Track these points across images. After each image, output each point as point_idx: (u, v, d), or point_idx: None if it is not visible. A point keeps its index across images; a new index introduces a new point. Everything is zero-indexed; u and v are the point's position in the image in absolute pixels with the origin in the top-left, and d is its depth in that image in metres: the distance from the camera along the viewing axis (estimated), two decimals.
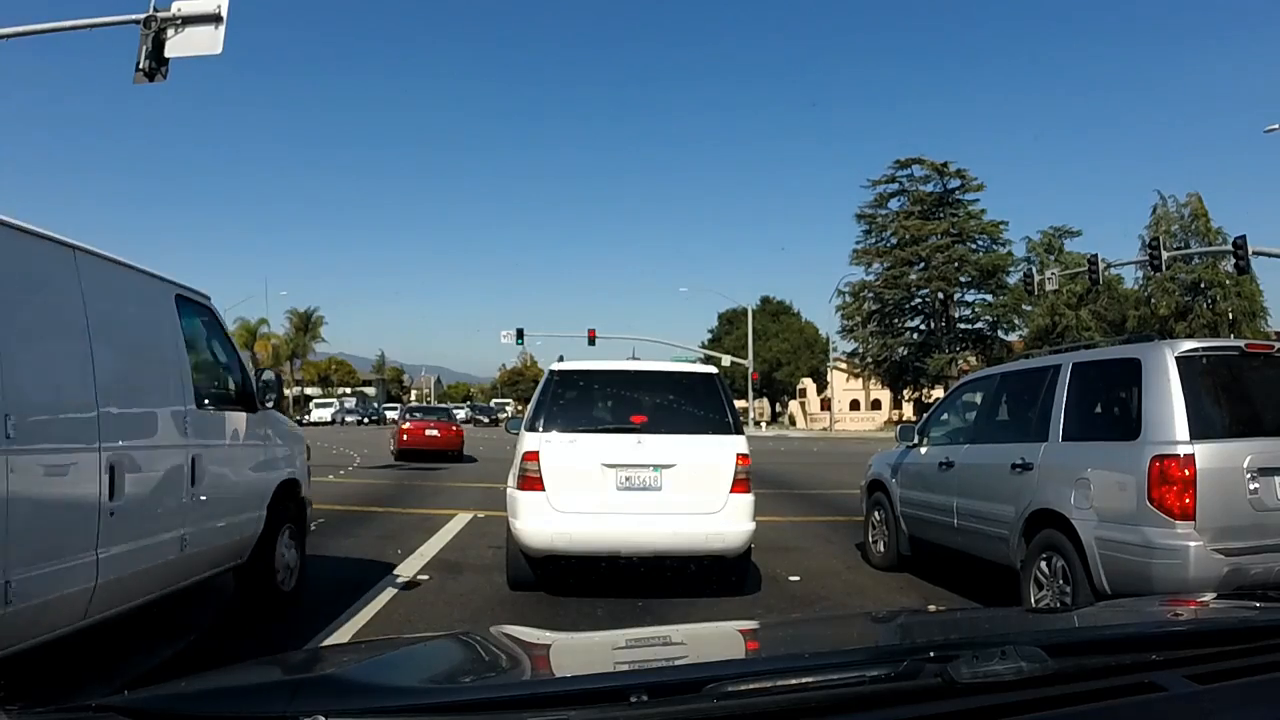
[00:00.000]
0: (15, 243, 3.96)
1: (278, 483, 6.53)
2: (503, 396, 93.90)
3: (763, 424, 67.08)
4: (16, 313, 3.87)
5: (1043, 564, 5.99)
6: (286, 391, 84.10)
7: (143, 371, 5.04)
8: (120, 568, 4.42)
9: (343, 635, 5.92)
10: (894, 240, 58.84)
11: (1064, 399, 6.21)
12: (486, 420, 64.43)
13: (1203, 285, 46.67)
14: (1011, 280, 55.30)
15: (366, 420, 69.12)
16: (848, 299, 60.74)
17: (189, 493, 5.24)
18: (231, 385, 6.29)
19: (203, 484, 5.37)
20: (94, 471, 4.23)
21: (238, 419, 6.14)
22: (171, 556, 5.03)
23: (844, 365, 67.28)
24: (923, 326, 60.20)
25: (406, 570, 8.05)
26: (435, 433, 23.35)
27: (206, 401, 5.65)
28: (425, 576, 7.83)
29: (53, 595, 3.93)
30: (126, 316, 4.92)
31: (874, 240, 60.21)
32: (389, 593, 7.12)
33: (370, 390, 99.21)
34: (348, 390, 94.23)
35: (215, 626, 6.12)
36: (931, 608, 5.37)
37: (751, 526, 6.97)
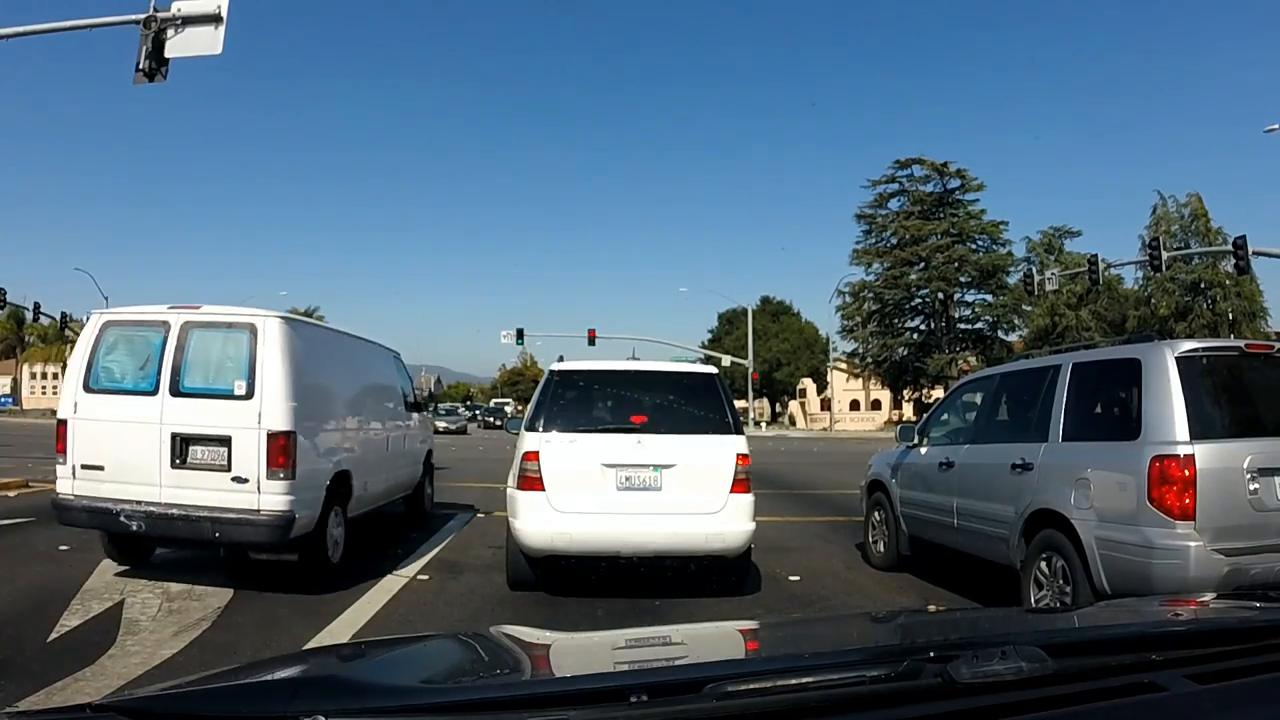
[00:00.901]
0: (369, 348, 9.98)
1: (426, 450, 12.06)
2: (503, 396, 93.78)
3: (763, 424, 67.06)
4: (371, 375, 9.67)
5: (1043, 564, 5.98)
6: None
7: (391, 394, 10.47)
8: (386, 482, 9.70)
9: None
10: (894, 240, 58.84)
11: (1064, 399, 6.20)
12: (498, 422, 63.18)
13: (1203, 285, 46.68)
14: (1011, 280, 55.30)
15: None
16: (848, 299, 60.75)
17: (402, 451, 10.63)
18: (413, 398, 11.47)
19: (406, 447, 10.85)
20: (384, 439, 9.77)
21: (416, 416, 11.52)
22: (394, 483, 10.20)
23: (844, 365, 67.28)
24: (923, 326, 60.20)
25: (407, 570, 8.06)
26: None
27: (405, 407, 10.98)
28: (425, 576, 7.83)
29: (376, 490, 9.16)
30: (386, 370, 10.51)
31: (874, 240, 60.23)
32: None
33: None
34: None
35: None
36: (931, 608, 5.36)
37: (751, 526, 6.97)
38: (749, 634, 2.35)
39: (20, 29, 15.30)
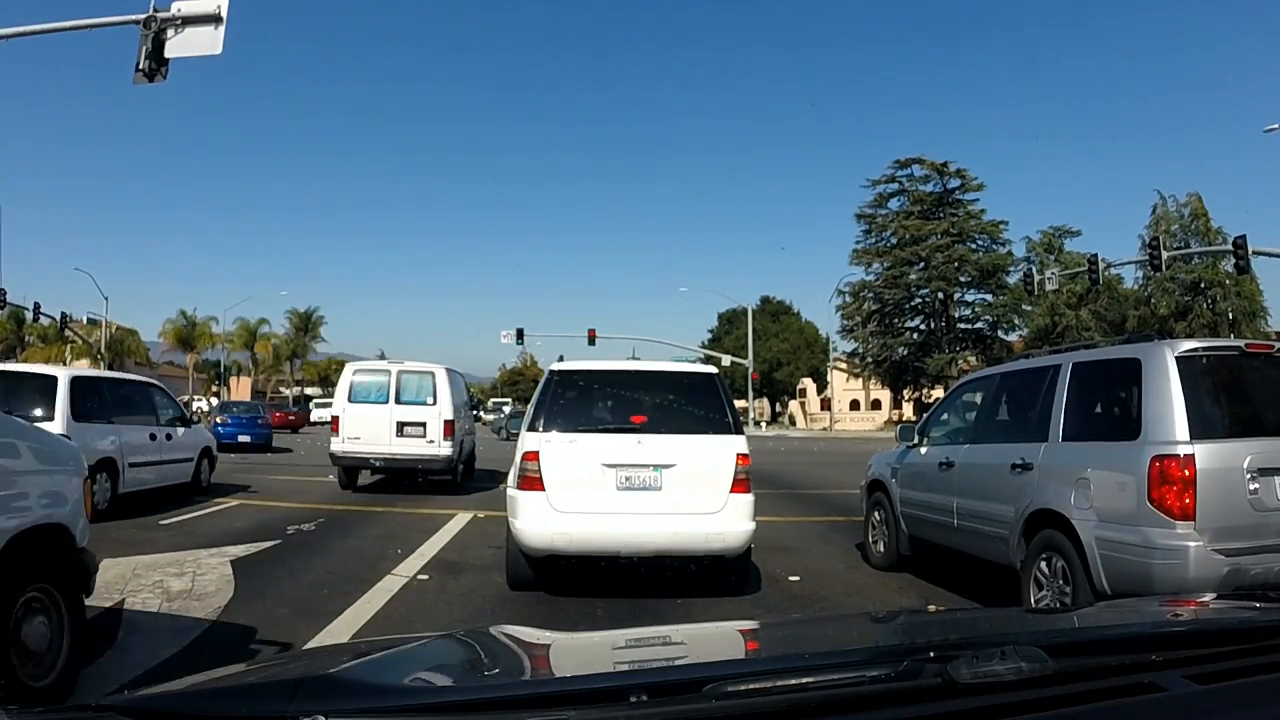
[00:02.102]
0: (459, 376, 17.17)
1: (472, 432, 18.11)
2: (503, 396, 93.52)
3: (763, 424, 67.00)
4: (462, 390, 17.34)
5: (1043, 564, 5.98)
6: (286, 391, 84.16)
7: (467, 399, 18.41)
8: (469, 447, 17.06)
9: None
10: (894, 240, 58.78)
11: (1064, 399, 6.20)
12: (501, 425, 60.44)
13: (1203, 285, 46.62)
14: (1011, 280, 55.25)
15: None
16: (848, 299, 60.70)
17: (467, 432, 16.73)
18: (471, 402, 20.48)
19: (467, 433, 16.71)
20: (467, 424, 17.25)
21: (472, 412, 20.53)
22: (470, 448, 17.15)
23: (844, 365, 67.22)
24: (923, 326, 60.17)
25: (407, 570, 8.06)
26: None
27: (463, 407, 17.01)
28: (425, 576, 7.84)
29: (467, 450, 16.73)
30: (463, 386, 17.46)
31: (874, 240, 60.17)
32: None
33: None
34: None
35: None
36: (931, 608, 5.36)
37: (751, 526, 6.97)
38: (749, 634, 2.34)
39: (20, 29, 15.30)
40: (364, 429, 14.20)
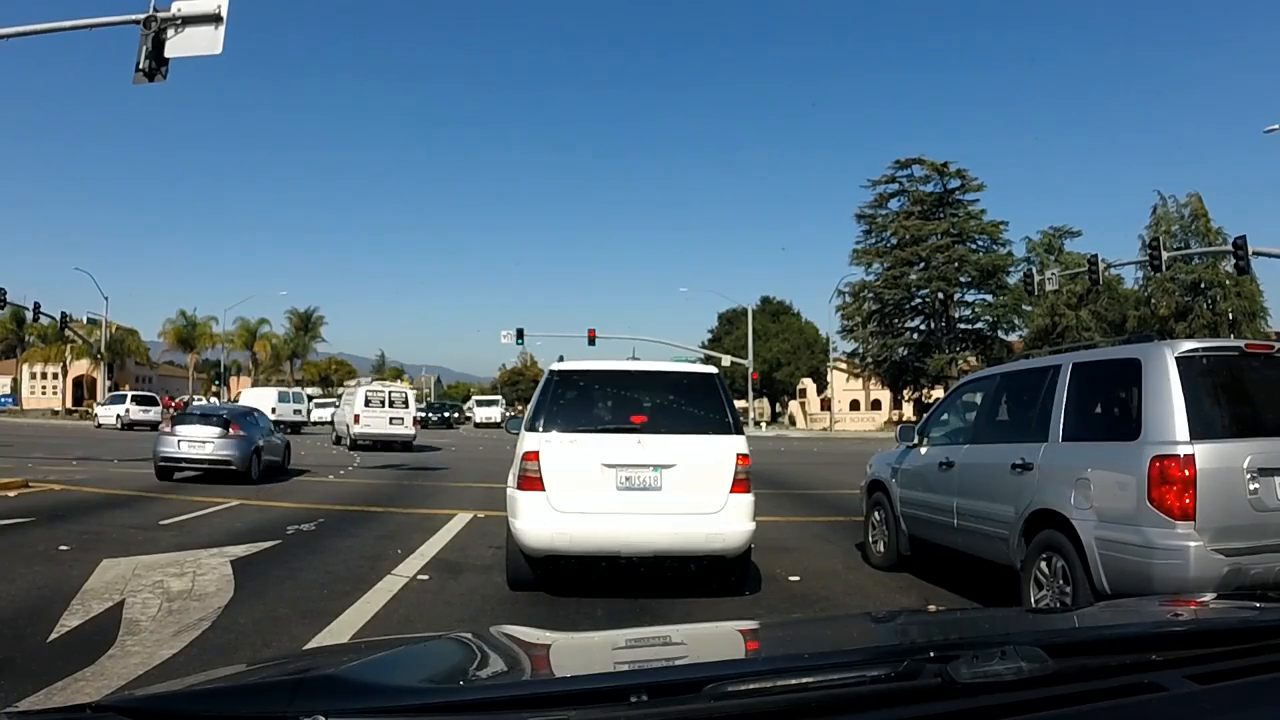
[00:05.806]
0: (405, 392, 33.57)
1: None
2: (505, 397, 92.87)
3: (763, 424, 66.95)
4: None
5: (1043, 564, 5.98)
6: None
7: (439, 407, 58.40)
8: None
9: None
10: (894, 240, 58.76)
11: (1064, 399, 6.20)
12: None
13: (1203, 285, 46.68)
14: (1011, 280, 55.25)
15: None
16: (848, 299, 60.67)
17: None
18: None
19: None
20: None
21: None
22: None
23: (844, 365, 67.20)
24: (923, 326, 60.11)
25: (407, 570, 8.06)
26: None
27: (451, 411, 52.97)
28: (425, 576, 7.84)
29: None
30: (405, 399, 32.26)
31: (874, 240, 60.15)
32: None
33: None
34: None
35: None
36: (931, 608, 5.35)
37: (751, 526, 6.97)
38: (749, 634, 2.34)
39: (20, 29, 15.30)
40: (373, 423, 28.36)
